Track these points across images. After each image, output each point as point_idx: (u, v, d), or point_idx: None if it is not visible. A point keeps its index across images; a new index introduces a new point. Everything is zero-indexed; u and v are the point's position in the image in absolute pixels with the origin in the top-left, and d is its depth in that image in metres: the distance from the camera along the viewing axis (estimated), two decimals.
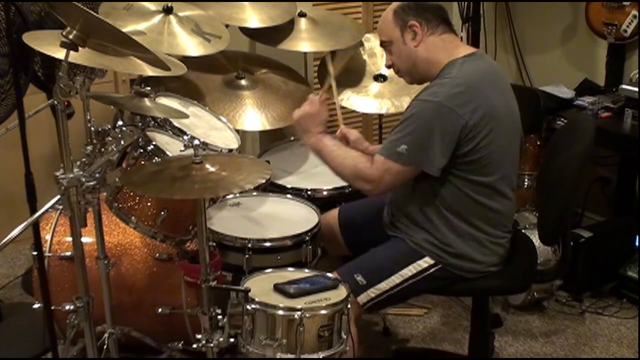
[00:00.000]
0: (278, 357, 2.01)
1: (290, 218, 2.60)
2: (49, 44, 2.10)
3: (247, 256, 2.42)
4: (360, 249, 2.48)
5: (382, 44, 2.41)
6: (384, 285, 2.32)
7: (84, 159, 2.14)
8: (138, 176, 2.15)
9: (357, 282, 2.30)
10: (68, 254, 2.52)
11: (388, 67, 2.43)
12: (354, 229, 2.61)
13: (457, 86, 2.21)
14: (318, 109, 2.44)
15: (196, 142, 2.10)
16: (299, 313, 1.99)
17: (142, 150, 2.28)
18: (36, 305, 2.41)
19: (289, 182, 2.87)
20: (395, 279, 2.33)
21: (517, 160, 2.39)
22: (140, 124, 2.32)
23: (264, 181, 2.12)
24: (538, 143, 3.60)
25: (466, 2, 3.70)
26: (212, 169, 2.07)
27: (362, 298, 2.31)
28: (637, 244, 3.35)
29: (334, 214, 2.66)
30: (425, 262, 2.33)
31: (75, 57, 1.92)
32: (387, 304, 2.45)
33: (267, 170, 2.18)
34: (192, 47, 2.82)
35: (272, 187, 2.84)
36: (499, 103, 2.28)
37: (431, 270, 2.34)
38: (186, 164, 2.08)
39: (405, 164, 2.22)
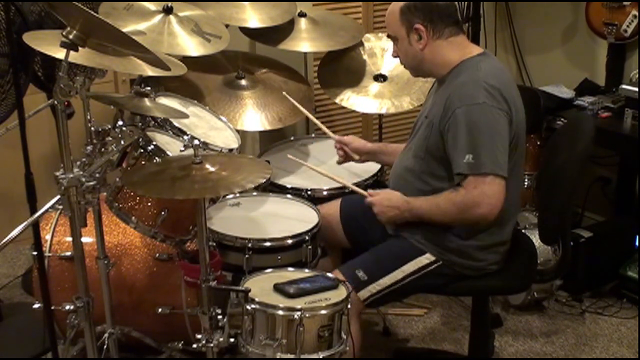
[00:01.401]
0: (278, 357, 2.01)
1: (290, 218, 2.59)
2: (49, 44, 2.10)
3: (247, 256, 2.42)
4: (359, 241, 2.48)
5: (389, 36, 2.41)
6: (386, 280, 2.32)
7: (84, 159, 2.14)
8: (138, 176, 2.15)
9: (358, 278, 2.30)
10: (68, 254, 2.52)
11: (394, 56, 2.42)
12: (355, 220, 2.59)
13: (490, 86, 2.20)
14: (381, 198, 2.35)
15: (196, 142, 2.10)
16: (299, 313, 1.99)
17: (142, 150, 2.28)
18: (36, 305, 2.41)
19: (289, 182, 2.87)
20: (397, 274, 2.33)
21: (524, 159, 2.40)
22: (140, 124, 2.32)
23: (264, 181, 2.12)
24: (538, 143, 3.60)
25: (466, 2, 3.70)
26: (212, 169, 2.07)
27: (364, 293, 2.31)
28: (637, 244, 3.35)
29: (335, 204, 2.65)
30: (426, 258, 2.34)
31: (75, 57, 1.92)
32: (388, 300, 2.45)
33: (267, 170, 2.18)
34: (192, 47, 2.82)
35: (272, 187, 2.84)
36: (518, 101, 2.30)
37: (432, 267, 2.34)
38: (186, 164, 2.08)
39: (489, 173, 2.17)
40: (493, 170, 2.17)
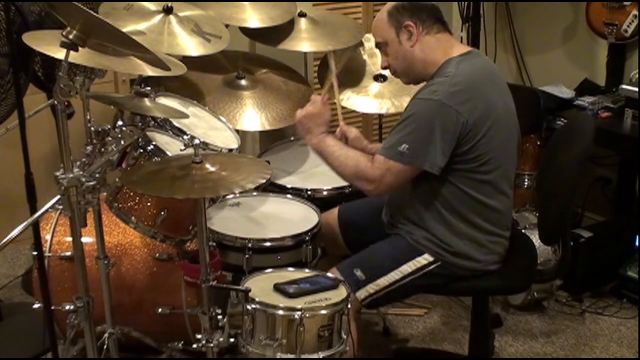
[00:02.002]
0: (278, 357, 2.01)
1: (290, 218, 2.60)
2: (49, 44, 2.10)
3: (247, 256, 2.42)
4: (359, 249, 2.47)
5: (377, 45, 2.42)
6: (384, 281, 2.32)
7: (84, 159, 2.14)
8: (138, 176, 2.15)
9: (356, 278, 2.30)
10: (68, 254, 2.52)
11: (384, 68, 2.43)
12: (353, 228, 2.61)
13: (457, 84, 2.21)
14: (320, 109, 2.45)
15: (196, 141, 2.10)
16: (299, 313, 1.99)
17: (142, 150, 2.28)
18: (36, 305, 2.41)
19: (289, 182, 2.87)
20: (395, 275, 2.33)
21: (515, 157, 2.39)
22: (140, 124, 2.32)
23: (264, 181, 2.12)
24: (538, 143, 3.59)
25: (466, 2, 3.70)
26: (212, 169, 2.07)
27: (361, 294, 2.32)
28: (637, 244, 3.35)
29: (333, 213, 2.66)
30: (424, 259, 2.34)
31: (75, 57, 1.92)
32: (386, 301, 2.45)
33: (267, 170, 2.18)
34: (192, 47, 2.82)
35: (272, 187, 2.84)
36: (497, 101, 2.29)
37: (430, 267, 2.34)
38: (186, 164, 2.08)
39: (407, 163, 2.22)
40: (400, 159, 2.21)
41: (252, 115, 2.99)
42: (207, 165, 2.07)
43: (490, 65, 2.42)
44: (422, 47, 2.31)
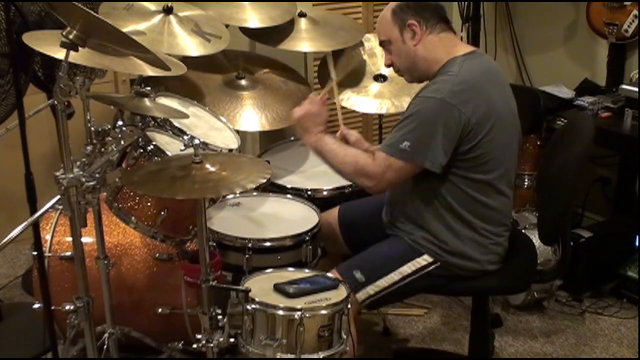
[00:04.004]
0: (278, 357, 2.01)
1: (290, 218, 2.59)
2: (49, 44, 2.10)
3: (247, 256, 2.41)
4: (360, 248, 2.47)
5: (381, 44, 2.41)
6: (383, 282, 2.32)
7: (84, 159, 2.14)
8: (138, 176, 2.15)
9: (356, 279, 2.30)
10: (68, 254, 2.52)
11: (387, 66, 2.43)
12: (353, 228, 2.61)
13: (459, 84, 2.21)
14: (319, 108, 2.44)
15: (196, 142, 2.10)
16: (299, 313, 1.99)
17: (142, 150, 2.28)
18: (36, 305, 2.41)
19: (289, 182, 2.87)
20: (394, 276, 2.33)
21: (516, 158, 2.39)
22: (140, 124, 2.32)
23: (264, 181, 2.12)
24: (538, 143, 3.60)
25: (466, 2, 3.70)
26: (212, 169, 2.07)
27: (361, 295, 2.31)
28: (637, 244, 3.35)
29: (333, 213, 2.66)
30: (424, 259, 2.34)
31: (75, 57, 1.92)
32: (386, 302, 2.45)
33: (267, 170, 2.18)
34: (192, 47, 2.82)
35: (272, 187, 2.84)
36: (499, 101, 2.29)
37: (430, 268, 2.34)
38: (186, 164, 2.08)
39: (408, 160, 2.22)
40: (402, 156, 2.21)
41: (252, 116, 3.00)
42: (207, 166, 2.07)
43: (493, 65, 2.41)
44: (425, 46, 2.31)
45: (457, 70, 2.24)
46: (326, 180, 2.83)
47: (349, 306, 2.08)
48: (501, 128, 2.27)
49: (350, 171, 2.34)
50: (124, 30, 1.97)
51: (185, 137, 2.22)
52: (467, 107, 2.19)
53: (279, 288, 2.09)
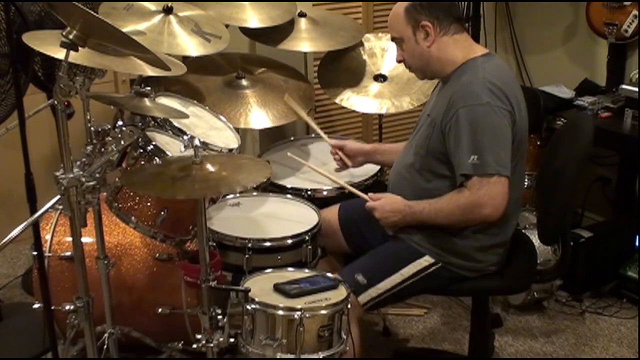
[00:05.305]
0: (278, 357, 2.01)
1: (290, 218, 2.59)
2: (49, 44, 2.10)
3: (247, 256, 2.41)
4: (359, 246, 2.47)
5: (393, 40, 2.39)
6: (385, 284, 2.32)
7: (84, 159, 2.14)
8: (138, 176, 2.15)
9: (357, 282, 2.30)
10: (68, 254, 2.52)
11: (399, 62, 2.41)
12: (354, 225, 2.60)
13: (494, 86, 2.20)
14: (383, 203, 2.34)
15: (196, 142, 2.10)
16: (299, 313, 1.99)
17: (142, 150, 2.27)
18: (36, 305, 2.41)
19: (289, 182, 2.86)
20: (396, 278, 2.32)
21: (525, 158, 2.39)
22: (140, 124, 2.32)
23: (264, 181, 2.12)
24: (538, 143, 3.60)
25: (466, 2, 3.70)
26: (212, 169, 2.07)
27: (363, 298, 2.31)
28: (637, 244, 3.35)
29: (333, 210, 2.65)
30: (425, 260, 2.33)
31: (75, 57, 1.92)
32: (387, 304, 2.45)
33: (267, 170, 2.18)
34: (192, 47, 2.82)
35: (272, 187, 2.84)
36: (522, 101, 2.31)
37: (431, 269, 2.34)
38: (186, 164, 2.07)
39: (494, 173, 2.17)
40: (497, 171, 2.17)
41: (259, 114, 2.99)
42: (208, 166, 2.07)
43: (507, 66, 2.42)
44: (439, 47, 2.29)
45: (484, 73, 2.23)
46: (326, 181, 2.82)
47: (349, 306, 2.08)
48: (520, 128, 2.28)
49: (460, 215, 2.23)
50: (124, 30, 1.97)
51: (185, 137, 2.22)
52: (509, 107, 2.20)
53: (279, 288, 2.09)
